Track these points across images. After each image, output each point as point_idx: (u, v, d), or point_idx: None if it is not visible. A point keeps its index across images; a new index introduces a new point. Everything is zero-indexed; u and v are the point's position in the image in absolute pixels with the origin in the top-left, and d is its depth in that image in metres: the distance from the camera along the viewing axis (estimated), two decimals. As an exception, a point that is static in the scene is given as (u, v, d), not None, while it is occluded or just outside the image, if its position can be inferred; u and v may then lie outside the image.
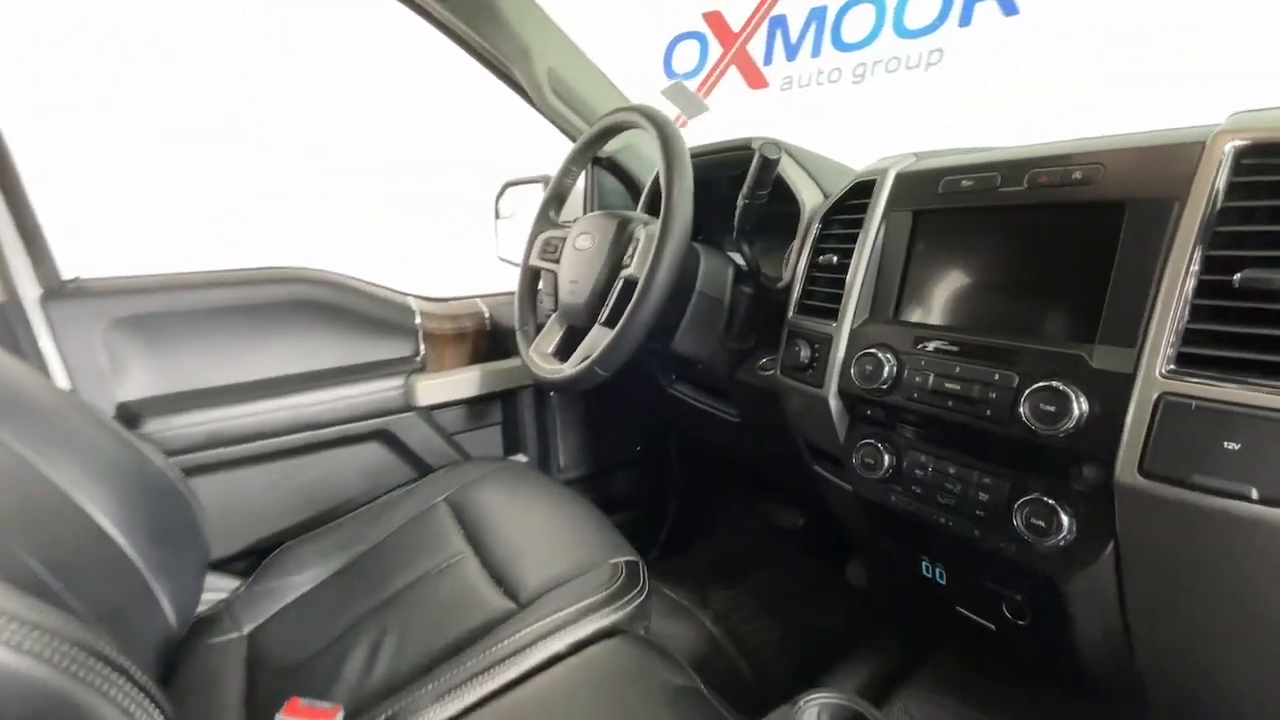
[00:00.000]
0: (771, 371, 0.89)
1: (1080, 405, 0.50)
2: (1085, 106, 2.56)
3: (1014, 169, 0.59)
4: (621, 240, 0.87)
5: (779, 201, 0.88)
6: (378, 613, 0.81)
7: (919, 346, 0.63)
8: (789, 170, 0.87)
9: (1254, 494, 0.42)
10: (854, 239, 0.73)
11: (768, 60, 3.71)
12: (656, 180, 1.15)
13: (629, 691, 0.60)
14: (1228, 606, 0.48)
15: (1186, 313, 0.46)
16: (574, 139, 1.21)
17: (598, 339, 0.85)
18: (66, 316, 0.93)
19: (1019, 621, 0.64)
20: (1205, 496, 0.43)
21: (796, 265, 0.81)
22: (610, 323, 0.84)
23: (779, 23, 3.68)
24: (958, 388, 0.59)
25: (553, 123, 1.19)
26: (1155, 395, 0.46)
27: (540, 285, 1.07)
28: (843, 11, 3.47)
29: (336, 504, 1.12)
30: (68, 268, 0.97)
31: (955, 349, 0.60)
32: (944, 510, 0.62)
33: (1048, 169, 0.56)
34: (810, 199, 0.86)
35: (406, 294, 1.24)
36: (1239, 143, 0.46)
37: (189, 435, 0.99)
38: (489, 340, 1.32)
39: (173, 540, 0.79)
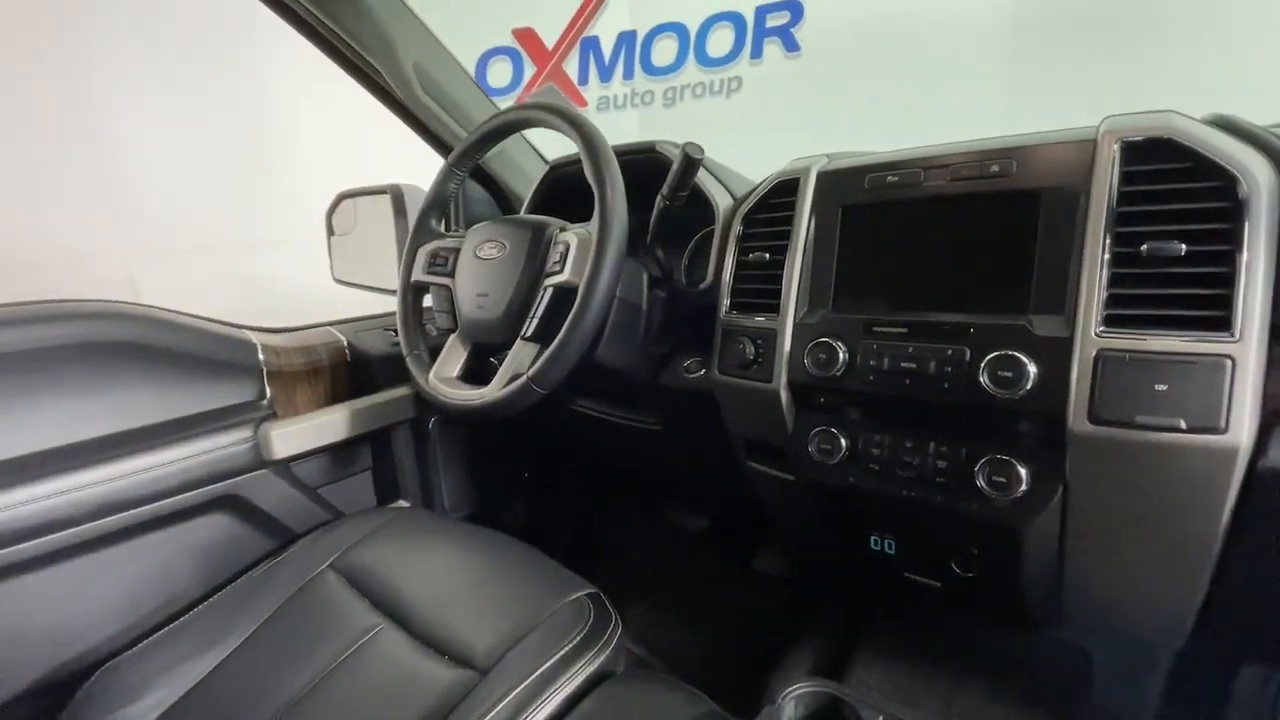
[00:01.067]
0: (700, 373, 0.88)
1: (1032, 367, 0.56)
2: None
3: (935, 165, 0.65)
4: (541, 246, 0.80)
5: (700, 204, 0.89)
6: (283, 724, 0.64)
7: (868, 332, 0.67)
8: (700, 173, 0.88)
9: (1183, 424, 0.50)
10: (782, 236, 0.75)
11: (583, 80, 3.79)
12: (543, 185, 1.09)
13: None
14: (1147, 529, 0.58)
15: (1107, 281, 0.54)
16: (444, 142, 1.10)
17: (525, 355, 0.77)
18: None
19: (967, 574, 0.71)
20: (1146, 433, 0.51)
21: (722, 265, 0.82)
22: (539, 337, 0.77)
23: (591, 44, 3.78)
24: (914, 366, 0.63)
25: (417, 125, 1.07)
26: (1094, 353, 0.54)
27: (430, 303, 0.95)
28: (650, 38, 3.68)
29: (173, 599, 0.87)
30: None
31: (905, 330, 0.65)
32: (905, 483, 0.67)
33: (968, 164, 0.63)
34: (723, 201, 0.88)
35: (243, 326, 1.02)
36: (1123, 141, 0.55)
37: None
38: (350, 374, 1.14)
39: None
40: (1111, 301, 0.54)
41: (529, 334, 0.78)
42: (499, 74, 3.76)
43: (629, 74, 3.74)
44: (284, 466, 0.99)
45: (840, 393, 0.70)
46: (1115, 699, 0.79)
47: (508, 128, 0.87)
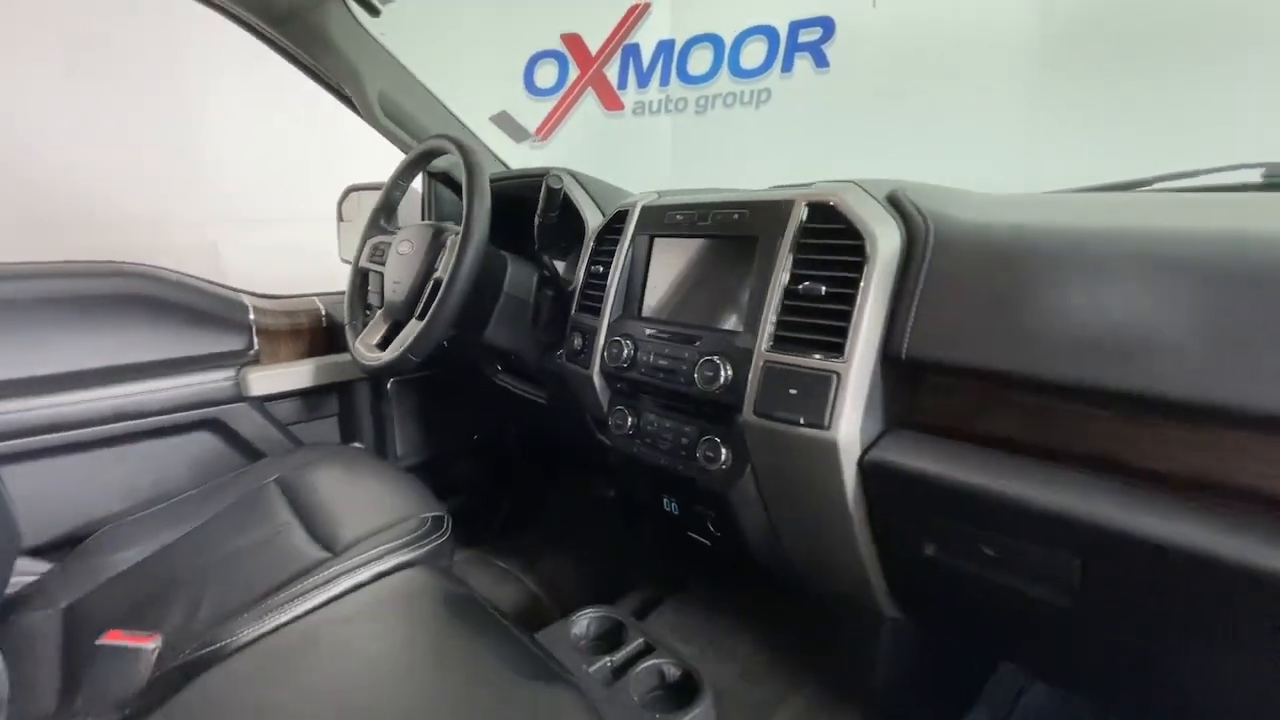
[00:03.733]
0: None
1: (726, 371, 0.75)
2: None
3: (705, 209, 0.83)
4: (435, 247, 1.03)
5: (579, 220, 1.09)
6: (202, 575, 0.90)
7: (647, 334, 0.86)
8: (576, 195, 1.08)
9: (801, 420, 0.67)
10: (610, 255, 0.95)
11: (622, 85, 4.00)
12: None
13: (417, 604, 0.76)
14: (803, 500, 0.75)
15: (777, 311, 0.71)
16: (406, 153, 1.35)
17: (412, 331, 1.01)
18: None
19: (717, 534, 0.89)
20: (779, 425, 0.69)
21: (579, 273, 1.02)
22: (424, 317, 1.00)
23: (632, 50, 3.98)
24: (665, 363, 0.82)
25: (385, 137, 1.32)
26: (763, 363, 0.71)
27: (370, 285, 1.20)
28: (687, 47, 3.84)
29: (164, 491, 1.16)
30: None
31: (666, 335, 0.84)
32: (664, 454, 0.86)
33: (721, 211, 0.81)
34: (593, 219, 1.07)
35: (239, 290, 1.31)
36: (808, 204, 0.72)
37: (-4, 423, 1.00)
38: (325, 336, 1.41)
39: (-24, 520, 0.83)
40: (779, 326, 0.71)
41: (418, 314, 1.01)
42: (545, 75, 4.03)
43: (665, 81, 3.91)
44: (259, 402, 1.27)
45: (628, 380, 0.90)
46: (857, 656, 0.94)
47: (427, 155, 1.10)
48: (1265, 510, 0.50)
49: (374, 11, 1.15)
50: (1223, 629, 0.55)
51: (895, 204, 0.70)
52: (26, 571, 0.97)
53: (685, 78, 3.89)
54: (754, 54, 3.67)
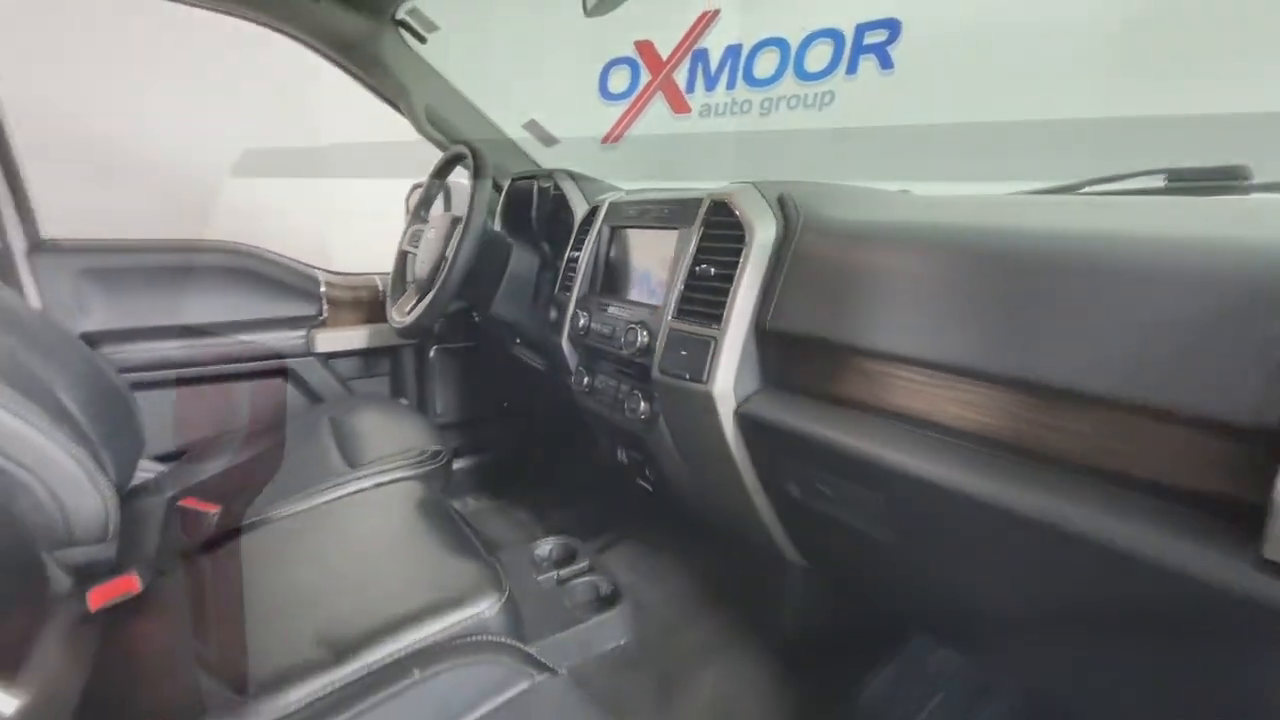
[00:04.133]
0: None
1: (644, 336, 0.91)
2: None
3: (648, 205, 1.00)
4: (450, 234, 1.25)
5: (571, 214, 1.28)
6: (262, 479, 1.18)
7: (600, 307, 1.04)
8: (569, 192, 1.27)
9: (687, 376, 0.83)
10: (583, 242, 1.13)
11: (690, 89, 4.14)
12: (509, 191, 1.54)
13: (400, 507, 0.99)
14: (698, 445, 0.90)
15: (682, 286, 0.87)
16: (448, 157, 1.60)
17: (426, 301, 1.24)
18: (45, 265, 1.28)
19: (653, 478, 1.05)
20: (675, 380, 0.85)
21: (565, 258, 1.22)
22: None
23: (701, 55, 4.11)
24: (607, 330, 1.00)
25: (430, 142, 1.57)
26: (668, 330, 0.87)
27: (409, 265, 1.45)
28: (754, 51, 3.93)
29: (246, 420, 1.48)
30: (46, 228, 1.31)
31: (612, 308, 1.01)
32: (607, 407, 1.03)
33: (656, 206, 0.97)
34: (580, 212, 1.26)
35: (314, 267, 1.61)
36: (710, 200, 0.87)
37: (135, 358, 1.34)
38: (381, 308, 1.69)
39: (116, 425, 1.14)
40: (681, 300, 0.87)
41: (435, 289, 1.24)
42: (618, 81, 4.25)
43: (731, 84, 4.01)
44: (323, 358, 1.57)
45: (586, 346, 1.08)
46: (770, 599, 1.07)
47: (453, 160, 1.33)
48: (1024, 459, 0.61)
49: (422, 39, 1.40)
50: (996, 560, 0.65)
51: (781, 202, 0.84)
52: (147, 470, 1.30)
53: (751, 80, 3.99)
54: (819, 56, 3.71)
